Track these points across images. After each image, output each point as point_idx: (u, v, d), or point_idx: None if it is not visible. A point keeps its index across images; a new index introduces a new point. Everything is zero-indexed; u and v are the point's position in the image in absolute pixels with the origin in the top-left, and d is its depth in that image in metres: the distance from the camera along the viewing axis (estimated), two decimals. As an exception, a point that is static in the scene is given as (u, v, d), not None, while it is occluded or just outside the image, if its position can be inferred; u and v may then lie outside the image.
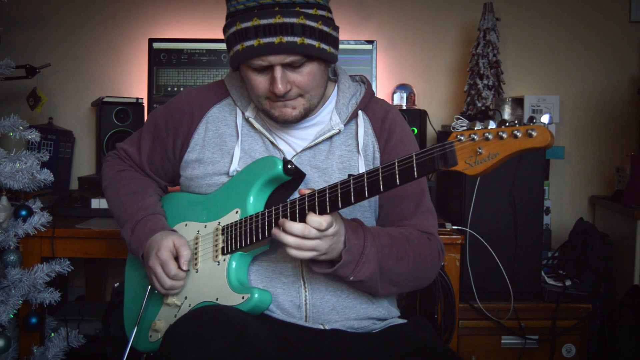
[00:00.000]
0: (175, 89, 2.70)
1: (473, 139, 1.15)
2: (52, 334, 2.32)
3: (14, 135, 2.09)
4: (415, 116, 2.62)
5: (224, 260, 1.46)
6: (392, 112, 1.59)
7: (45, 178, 2.11)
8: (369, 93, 1.59)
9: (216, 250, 1.48)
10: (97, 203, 2.35)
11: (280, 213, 1.37)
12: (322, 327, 1.47)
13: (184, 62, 2.70)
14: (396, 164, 1.24)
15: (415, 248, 1.46)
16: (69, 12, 2.93)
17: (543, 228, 2.44)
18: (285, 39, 1.35)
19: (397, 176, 1.23)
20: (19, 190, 2.08)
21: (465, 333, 2.32)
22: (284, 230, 1.31)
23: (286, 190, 1.48)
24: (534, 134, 1.09)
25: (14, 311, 2.10)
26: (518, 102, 2.71)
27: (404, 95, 2.83)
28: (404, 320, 1.58)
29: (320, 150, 1.52)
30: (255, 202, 1.46)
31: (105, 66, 2.94)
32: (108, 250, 2.20)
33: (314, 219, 1.29)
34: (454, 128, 2.53)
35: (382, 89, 2.88)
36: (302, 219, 1.31)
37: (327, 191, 1.32)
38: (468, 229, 2.29)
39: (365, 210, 1.54)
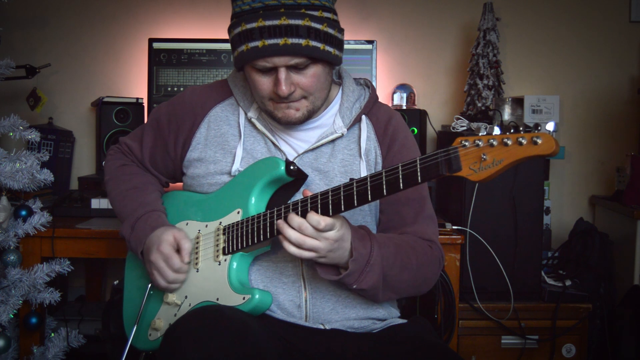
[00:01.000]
0: (175, 89, 2.70)
1: (477, 145, 1.15)
2: (52, 334, 2.32)
3: (14, 135, 2.09)
4: (415, 116, 2.62)
5: (225, 260, 1.46)
6: (396, 117, 1.59)
7: (45, 178, 2.11)
8: (373, 98, 1.58)
9: (217, 250, 1.48)
10: (97, 203, 2.34)
11: (282, 214, 1.37)
12: (322, 327, 1.47)
13: (184, 62, 2.70)
14: (400, 168, 1.24)
15: (418, 257, 1.46)
16: (69, 12, 2.93)
17: (543, 228, 2.44)
18: (290, 40, 1.35)
19: (401, 180, 1.23)
20: (19, 190, 2.08)
21: (465, 333, 2.32)
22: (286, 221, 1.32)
23: (288, 191, 1.48)
24: (539, 141, 1.09)
25: (14, 311, 2.10)
26: (518, 102, 2.71)
27: (404, 95, 2.83)
28: (404, 320, 1.58)
29: (322, 152, 1.52)
30: (257, 203, 1.46)
31: (105, 66, 2.94)
32: (108, 250, 2.20)
33: (314, 217, 1.29)
34: (453, 128, 2.53)
35: (382, 89, 2.88)
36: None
37: (330, 193, 1.32)
38: (468, 229, 2.29)
39: (366, 215, 1.54)
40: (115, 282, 1.80)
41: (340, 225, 1.33)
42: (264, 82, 1.43)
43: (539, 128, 1.13)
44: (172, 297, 1.52)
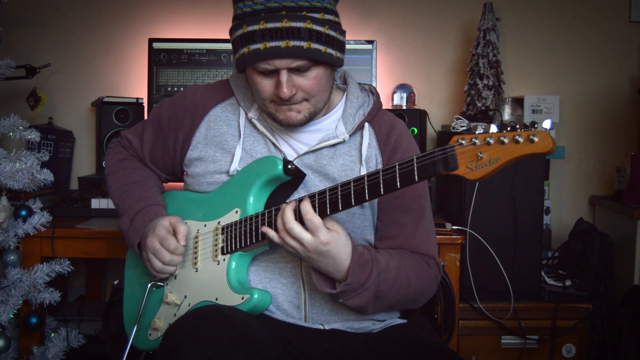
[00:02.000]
0: (175, 89, 2.70)
1: (474, 143, 1.14)
2: (52, 334, 2.32)
3: (14, 135, 2.09)
4: (415, 116, 2.62)
5: (224, 260, 1.47)
6: (398, 126, 1.58)
7: (45, 178, 2.11)
8: (377, 105, 1.58)
9: (216, 250, 1.49)
10: (97, 203, 2.35)
11: (277, 216, 1.37)
12: (321, 327, 1.47)
13: (184, 62, 2.70)
14: (397, 167, 1.23)
15: (418, 278, 1.46)
16: (69, 12, 2.94)
17: (543, 228, 2.44)
18: (292, 43, 1.35)
19: (398, 179, 1.23)
20: (19, 190, 2.08)
21: (465, 333, 2.32)
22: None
23: (286, 190, 1.48)
24: (536, 139, 1.09)
25: (14, 311, 2.10)
26: (518, 102, 2.70)
27: (404, 95, 2.83)
28: (404, 320, 1.58)
29: (322, 155, 1.52)
30: (255, 202, 1.46)
31: (105, 66, 2.94)
32: (108, 250, 2.20)
33: (287, 215, 1.31)
34: (453, 128, 2.53)
35: (382, 89, 2.88)
36: (301, 219, 1.32)
37: (328, 192, 1.31)
38: (468, 229, 2.29)
39: (365, 219, 1.53)
40: (115, 282, 1.80)
41: (333, 234, 1.31)
42: (266, 85, 1.42)
43: (536, 126, 1.12)
44: (171, 297, 1.52)
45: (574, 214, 2.87)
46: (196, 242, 1.53)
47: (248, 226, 1.43)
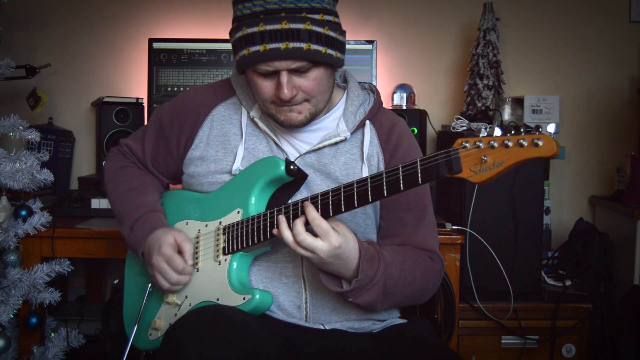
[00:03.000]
0: (175, 89, 2.70)
1: (478, 146, 1.14)
2: (52, 334, 2.32)
3: (14, 135, 2.09)
4: (415, 116, 2.62)
5: (225, 260, 1.46)
6: (400, 124, 1.58)
7: (45, 178, 2.11)
8: (378, 103, 1.58)
9: (217, 250, 1.48)
10: (97, 203, 2.35)
11: (283, 214, 1.37)
12: (322, 327, 1.47)
13: (184, 62, 2.70)
14: (400, 169, 1.23)
15: (422, 272, 1.47)
16: (69, 12, 2.93)
17: (543, 228, 2.44)
18: (292, 44, 1.35)
19: (401, 181, 1.23)
20: (19, 190, 2.08)
21: (465, 333, 2.32)
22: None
23: (288, 191, 1.48)
24: (540, 143, 1.09)
25: (14, 311, 2.10)
26: (518, 102, 2.71)
27: (404, 95, 2.83)
28: (404, 320, 1.58)
29: (324, 154, 1.52)
30: (257, 203, 1.46)
31: (105, 66, 2.94)
32: (108, 250, 2.20)
33: (297, 227, 1.31)
34: (454, 128, 2.53)
35: (382, 89, 2.87)
36: (307, 225, 1.32)
37: (330, 194, 1.32)
38: (468, 229, 2.29)
39: (367, 218, 1.53)
40: (115, 282, 1.80)
41: (341, 235, 1.32)
42: (266, 86, 1.42)
43: (540, 130, 1.12)
44: (172, 297, 1.52)
45: (574, 214, 2.87)
46: (197, 242, 1.53)
47: (250, 227, 1.43)
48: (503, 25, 2.87)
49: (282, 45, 1.35)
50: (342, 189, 1.30)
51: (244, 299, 1.40)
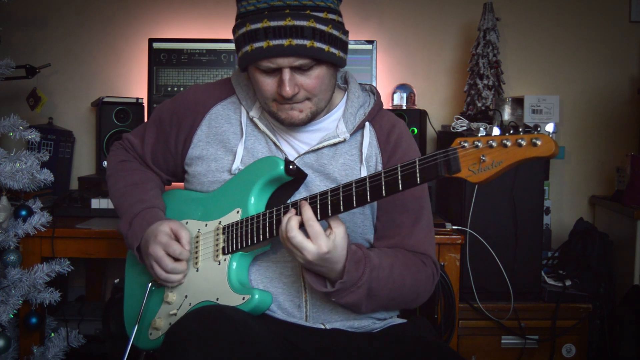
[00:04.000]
0: (175, 89, 2.70)
1: (477, 146, 1.14)
2: (52, 334, 2.32)
3: (14, 135, 2.09)
4: (415, 116, 2.62)
5: (225, 260, 1.47)
6: (399, 126, 1.58)
7: (45, 178, 2.11)
8: (378, 105, 1.58)
9: (217, 250, 1.48)
10: (97, 203, 2.35)
11: (282, 214, 1.37)
12: (322, 326, 1.47)
13: (184, 62, 2.70)
14: (399, 169, 1.23)
15: (412, 276, 1.46)
16: (69, 12, 2.94)
17: (543, 228, 2.44)
18: (295, 41, 1.35)
19: (400, 181, 1.23)
20: (19, 190, 2.08)
21: (465, 333, 2.32)
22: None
23: (287, 191, 1.48)
24: (539, 143, 1.08)
25: (14, 311, 2.10)
26: (518, 102, 2.71)
27: (404, 95, 2.83)
28: (404, 320, 1.58)
29: (323, 154, 1.52)
30: (256, 203, 1.46)
31: (105, 66, 2.94)
32: (108, 250, 2.20)
33: (292, 223, 1.31)
34: (453, 128, 2.53)
35: (382, 89, 2.88)
36: (302, 224, 1.32)
37: (329, 194, 1.31)
38: (468, 229, 2.29)
39: (365, 219, 1.53)
40: (115, 281, 1.80)
41: (331, 241, 1.31)
42: (268, 83, 1.42)
43: (539, 129, 1.11)
44: (172, 297, 1.52)
45: (574, 214, 2.87)
46: (197, 242, 1.53)
47: (249, 226, 1.43)
48: (503, 25, 2.87)
49: (285, 42, 1.35)
50: (340, 189, 1.30)
51: (243, 299, 1.40)
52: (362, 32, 2.91)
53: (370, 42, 2.71)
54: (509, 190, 2.32)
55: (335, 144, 1.52)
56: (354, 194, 1.28)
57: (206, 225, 1.53)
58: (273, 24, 1.35)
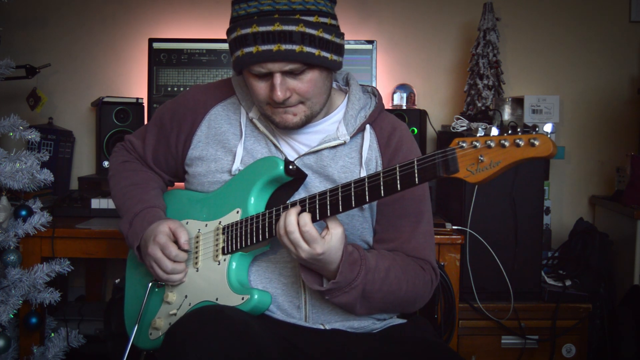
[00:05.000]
0: (175, 89, 2.70)
1: (475, 146, 1.14)
2: (52, 334, 2.32)
3: (14, 135, 2.09)
4: (415, 116, 2.62)
5: (224, 260, 1.47)
6: (400, 128, 1.57)
7: (45, 178, 2.11)
8: (379, 107, 1.57)
9: (216, 250, 1.49)
10: (97, 203, 2.35)
11: (281, 214, 1.37)
12: (322, 327, 1.47)
13: (184, 62, 2.70)
14: (397, 169, 1.23)
15: (410, 280, 1.46)
16: (69, 12, 2.94)
17: (543, 228, 2.44)
18: (284, 46, 1.34)
19: (398, 181, 1.23)
20: (19, 190, 2.08)
21: (465, 333, 2.32)
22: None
23: (287, 191, 1.48)
24: (537, 143, 1.08)
25: (14, 311, 2.10)
26: (518, 102, 2.70)
27: (404, 95, 2.83)
28: (404, 320, 1.58)
29: (323, 156, 1.52)
30: (256, 203, 1.47)
31: (105, 66, 2.94)
32: (108, 250, 2.20)
33: (291, 218, 1.31)
34: (453, 128, 2.53)
35: (382, 89, 2.88)
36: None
37: (328, 194, 1.32)
38: (468, 229, 2.29)
39: (364, 222, 1.53)
40: (116, 281, 1.80)
41: (326, 243, 1.31)
42: (261, 87, 1.42)
43: (537, 129, 1.12)
44: (172, 297, 1.52)
45: (574, 214, 2.87)
46: (197, 242, 1.54)
47: (249, 226, 1.43)
48: (503, 25, 2.87)
49: (274, 47, 1.35)
50: (339, 189, 1.30)
51: (242, 299, 1.41)
52: (362, 32, 2.91)
53: (370, 42, 2.71)
54: (509, 190, 2.32)
55: (335, 146, 1.52)
56: (352, 194, 1.28)
57: (206, 225, 1.53)
58: (262, 29, 1.35)
